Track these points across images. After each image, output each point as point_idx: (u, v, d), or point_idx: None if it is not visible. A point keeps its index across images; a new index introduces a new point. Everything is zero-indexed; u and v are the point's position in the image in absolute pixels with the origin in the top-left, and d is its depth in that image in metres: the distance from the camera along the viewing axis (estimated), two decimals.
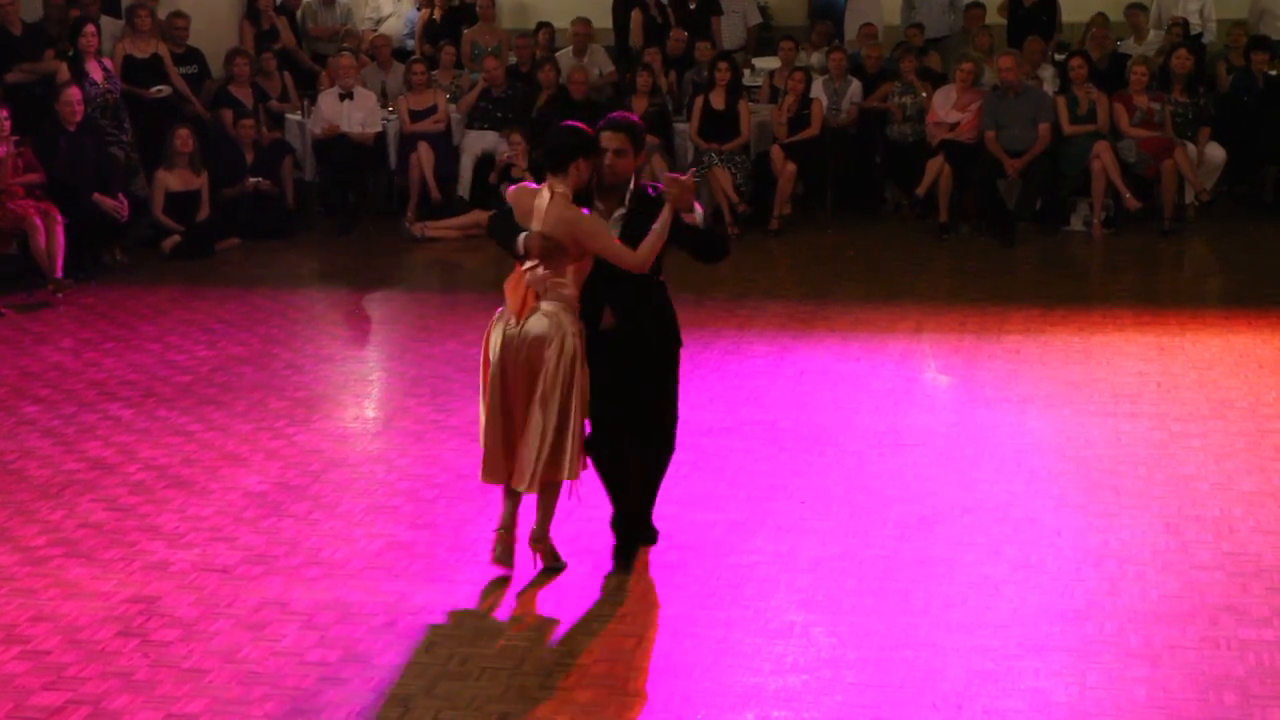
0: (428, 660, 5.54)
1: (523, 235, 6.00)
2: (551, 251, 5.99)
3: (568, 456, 6.04)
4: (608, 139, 6.09)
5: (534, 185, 6.17)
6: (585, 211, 6.05)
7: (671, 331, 6.28)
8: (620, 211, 6.16)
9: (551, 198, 6.01)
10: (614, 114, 6.30)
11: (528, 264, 6.04)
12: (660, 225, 6.01)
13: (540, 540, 6.26)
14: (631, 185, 6.19)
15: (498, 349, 6.07)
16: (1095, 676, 5.31)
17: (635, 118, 6.26)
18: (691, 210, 6.17)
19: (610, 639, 5.67)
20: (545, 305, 6.02)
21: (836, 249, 12.79)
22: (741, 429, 8.04)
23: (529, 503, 6.22)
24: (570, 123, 6.22)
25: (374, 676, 5.44)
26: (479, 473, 6.26)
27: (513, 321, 6.04)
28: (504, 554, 6.25)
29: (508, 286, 6.11)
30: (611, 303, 6.15)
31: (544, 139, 6.17)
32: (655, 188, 6.18)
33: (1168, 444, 7.70)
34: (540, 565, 6.26)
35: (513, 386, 6.06)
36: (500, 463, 6.13)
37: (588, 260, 6.06)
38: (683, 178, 6.15)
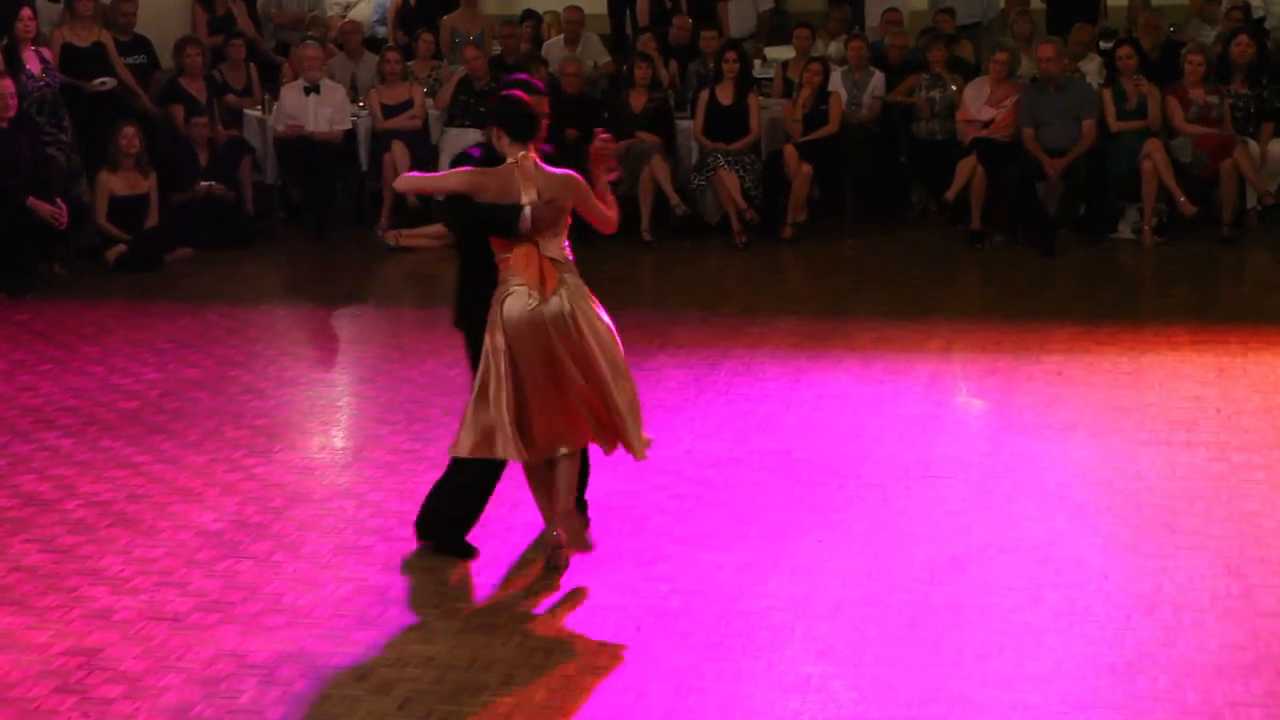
0: (402, 719, 5.53)
1: (527, 209, 6.38)
2: (555, 218, 6.48)
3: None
4: (541, 103, 6.69)
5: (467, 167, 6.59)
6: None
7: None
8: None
9: (525, 165, 6.45)
10: (519, 76, 7.02)
11: (530, 237, 6.44)
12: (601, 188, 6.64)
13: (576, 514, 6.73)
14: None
15: (522, 325, 6.40)
16: None
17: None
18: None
19: (606, 694, 5.67)
20: (568, 277, 6.50)
21: (856, 260, 12.80)
22: (752, 459, 8.05)
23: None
24: (511, 91, 6.65)
25: None
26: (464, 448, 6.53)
27: (535, 297, 6.41)
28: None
29: (518, 264, 6.44)
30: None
31: (500, 111, 6.59)
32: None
33: (1228, 476, 7.70)
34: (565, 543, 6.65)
35: (530, 365, 6.45)
36: (509, 436, 6.43)
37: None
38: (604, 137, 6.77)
